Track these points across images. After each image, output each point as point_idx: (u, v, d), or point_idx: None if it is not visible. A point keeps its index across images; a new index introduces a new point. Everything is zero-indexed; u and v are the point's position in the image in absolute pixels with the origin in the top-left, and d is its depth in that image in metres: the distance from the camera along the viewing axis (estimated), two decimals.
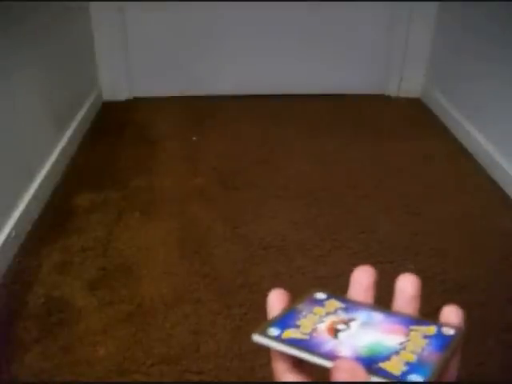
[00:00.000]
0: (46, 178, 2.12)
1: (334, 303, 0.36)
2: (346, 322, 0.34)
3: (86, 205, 2.10)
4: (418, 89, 3.16)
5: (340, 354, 0.31)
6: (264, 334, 0.33)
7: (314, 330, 0.33)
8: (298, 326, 0.34)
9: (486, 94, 2.46)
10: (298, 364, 0.33)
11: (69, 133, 2.44)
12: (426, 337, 0.32)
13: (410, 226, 2.02)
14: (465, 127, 2.62)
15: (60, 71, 2.39)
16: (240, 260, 1.81)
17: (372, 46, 3.08)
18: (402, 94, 3.17)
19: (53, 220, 2.01)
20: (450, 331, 0.33)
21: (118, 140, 2.62)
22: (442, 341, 0.32)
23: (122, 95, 3.06)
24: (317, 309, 0.36)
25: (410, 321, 0.34)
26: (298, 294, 0.38)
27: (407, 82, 3.14)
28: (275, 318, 0.35)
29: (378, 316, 0.35)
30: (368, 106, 3.06)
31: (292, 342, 0.32)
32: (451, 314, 0.34)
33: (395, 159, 2.51)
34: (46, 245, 1.87)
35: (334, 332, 0.33)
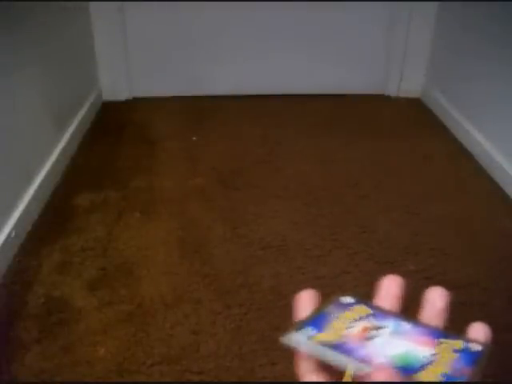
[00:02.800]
0: (46, 178, 2.12)
1: (363, 309, 0.37)
2: (377, 329, 0.34)
3: (86, 205, 2.10)
4: (418, 89, 3.16)
5: (376, 361, 0.31)
6: (296, 335, 0.33)
7: (347, 334, 0.33)
8: (330, 329, 0.34)
9: (485, 94, 2.46)
10: (321, 366, 0.33)
11: (69, 133, 2.44)
12: (455, 351, 0.32)
13: (410, 226, 2.02)
14: (465, 127, 2.62)
15: (60, 71, 2.39)
16: (240, 260, 1.81)
17: (372, 46, 3.08)
18: (402, 94, 3.17)
19: (53, 220, 2.01)
20: (477, 347, 0.33)
21: (118, 140, 2.62)
22: (470, 356, 0.32)
23: (122, 95, 3.06)
24: (347, 313, 0.36)
25: (437, 333, 0.34)
26: (324, 298, 0.38)
27: (407, 82, 3.14)
28: (306, 319, 0.35)
29: (406, 326, 0.35)
30: (368, 106, 3.06)
31: (326, 345, 0.32)
32: (478, 332, 0.35)
33: (395, 159, 2.51)
34: (46, 245, 1.87)
35: (366, 338, 0.33)
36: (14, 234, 1.80)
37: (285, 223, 2.01)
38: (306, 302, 0.37)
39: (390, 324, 0.35)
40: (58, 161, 2.25)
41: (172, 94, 3.05)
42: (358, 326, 0.34)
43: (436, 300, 0.36)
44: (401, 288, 0.38)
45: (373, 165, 2.45)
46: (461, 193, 2.27)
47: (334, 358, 0.31)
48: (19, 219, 1.85)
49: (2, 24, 1.80)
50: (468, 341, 0.33)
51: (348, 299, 0.38)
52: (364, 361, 0.31)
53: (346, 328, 0.34)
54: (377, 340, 0.33)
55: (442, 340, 0.33)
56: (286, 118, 2.89)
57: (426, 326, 0.35)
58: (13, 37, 1.87)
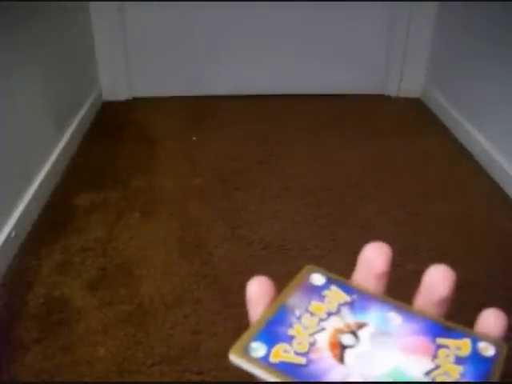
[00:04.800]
0: (46, 178, 2.12)
1: (337, 294, 0.28)
2: (354, 331, 0.26)
3: (86, 205, 2.10)
4: (418, 89, 3.16)
5: None
6: (245, 353, 0.25)
7: (313, 345, 0.25)
8: (290, 339, 0.26)
9: (486, 94, 2.46)
10: None
11: (69, 133, 2.44)
12: (459, 360, 0.25)
13: (410, 226, 2.02)
14: (465, 127, 2.62)
15: (60, 71, 2.39)
16: (240, 260, 1.81)
17: (372, 46, 3.08)
18: (402, 94, 3.17)
19: (53, 220, 2.01)
20: (490, 350, 0.25)
21: (118, 140, 2.62)
22: (480, 367, 0.24)
23: (122, 95, 3.06)
24: (314, 305, 0.27)
25: (435, 328, 0.26)
26: (289, 277, 0.30)
27: (407, 82, 3.14)
28: (258, 325, 0.27)
29: (395, 319, 0.26)
30: (368, 106, 3.06)
31: (284, 370, 0.24)
32: (490, 323, 0.26)
33: (395, 159, 2.51)
34: (45, 245, 1.87)
35: (340, 349, 0.25)
36: (14, 234, 1.80)
37: (285, 223, 2.01)
38: (261, 294, 0.28)
39: (373, 318, 0.26)
40: (57, 161, 2.25)
41: (172, 94, 3.05)
42: (329, 330, 0.26)
43: (438, 282, 0.27)
44: (388, 260, 0.28)
45: (373, 165, 2.45)
46: (461, 193, 2.27)
47: None
48: (19, 219, 1.85)
49: (2, 24, 1.80)
50: (477, 339, 0.26)
51: (317, 278, 0.29)
52: None
53: (312, 334, 0.26)
54: (353, 353, 0.25)
55: (441, 340, 0.26)
56: (286, 118, 2.89)
57: (420, 319, 0.27)
58: (13, 37, 1.87)
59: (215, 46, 3.00)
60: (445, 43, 2.89)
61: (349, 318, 0.27)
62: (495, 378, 0.24)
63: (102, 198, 2.14)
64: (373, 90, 3.17)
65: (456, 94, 2.76)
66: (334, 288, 0.28)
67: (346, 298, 0.28)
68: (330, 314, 0.27)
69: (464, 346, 0.25)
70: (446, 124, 2.82)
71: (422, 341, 0.26)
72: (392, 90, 3.17)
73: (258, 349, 0.25)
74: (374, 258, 0.29)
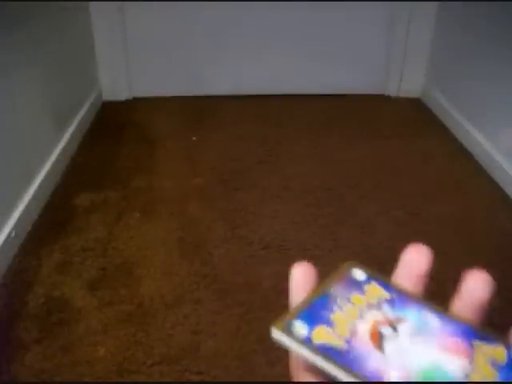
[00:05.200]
0: (46, 178, 2.12)
1: (377, 290, 0.29)
2: (393, 324, 0.27)
3: (86, 205, 2.10)
4: (418, 89, 3.16)
5: (389, 378, 0.24)
6: (288, 330, 0.26)
7: (354, 332, 0.26)
8: (331, 323, 0.26)
9: (486, 94, 2.46)
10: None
11: (69, 133, 2.44)
12: (494, 365, 0.25)
13: (410, 226, 2.02)
14: (465, 127, 2.62)
15: (60, 71, 2.39)
16: (240, 260, 1.81)
17: (372, 46, 3.08)
18: (402, 94, 3.17)
19: (53, 220, 2.01)
20: None
21: (118, 140, 2.62)
22: None
23: (122, 95, 3.06)
24: (355, 296, 0.28)
25: (471, 331, 0.27)
26: (331, 269, 0.30)
27: (407, 82, 3.14)
28: (301, 306, 0.27)
29: (432, 319, 0.27)
30: (368, 106, 3.06)
31: (325, 352, 0.25)
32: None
33: (395, 159, 2.51)
34: (45, 245, 1.87)
35: (380, 339, 0.26)
36: (14, 234, 1.80)
37: (285, 223, 2.01)
38: (304, 279, 0.29)
39: (412, 316, 0.27)
40: (57, 161, 2.25)
41: (172, 94, 3.05)
42: (369, 321, 0.27)
43: (477, 287, 0.28)
44: (429, 262, 0.29)
45: (373, 165, 2.45)
46: (461, 193, 2.27)
47: (335, 371, 0.24)
48: (19, 219, 1.85)
49: (2, 24, 1.80)
50: (511, 347, 0.26)
51: (359, 273, 0.30)
52: (373, 377, 0.24)
53: (354, 321, 0.27)
54: (392, 343, 0.26)
55: (477, 343, 0.26)
56: (286, 118, 2.89)
57: (455, 321, 0.27)
58: (13, 37, 1.87)
59: (215, 46, 3.00)
60: (445, 43, 2.89)
61: (389, 312, 0.27)
62: None
63: (102, 198, 2.14)
64: (373, 90, 3.17)
65: (456, 94, 2.76)
66: (374, 284, 0.29)
67: (386, 294, 0.28)
68: (370, 307, 0.27)
69: (500, 352, 0.26)
70: (446, 124, 2.82)
71: (460, 342, 0.26)
72: (392, 90, 3.17)
73: (301, 328, 0.26)
74: (415, 260, 0.29)
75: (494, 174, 2.33)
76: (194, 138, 2.63)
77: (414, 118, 2.98)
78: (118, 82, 3.02)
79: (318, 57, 3.05)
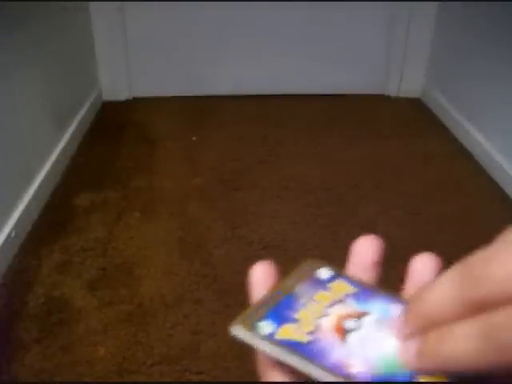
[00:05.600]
0: (46, 178, 2.12)
1: (343, 286, 0.29)
2: (358, 317, 0.27)
3: (86, 205, 2.10)
4: (418, 89, 3.16)
5: (351, 368, 0.24)
6: (252, 328, 0.26)
7: (318, 327, 0.26)
8: (296, 321, 0.27)
9: (486, 94, 2.46)
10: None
11: (69, 133, 2.44)
12: None
13: (410, 226, 2.02)
14: (465, 127, 2.62)
15: (60, 71, 2.39)
16: (240, 260, 1.81)
17: (372, 46, 3.08)
18: (402, 94, 3.17)
19: (53, 220, 2.01)
20: None
21: (118, 140, 2.62)
22: None
23: (122, 95, 3.06)
24: (320, 294, 0.28)
25: None
26: (293, 267, 0.30)
27: (407, 82, 3.14)
28: (264, 305, 0.28)
29: (395, 310, 0.27)
30: (368, 106, 3.06)
31: (289, 346, 0.25)
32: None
33: (395, 159, 2.51)
34: (45, 245, 1.87)
35: (344, 332, 0.26)
36: (14, 234, 1.80)
37: (285, 223, 2.01)
38: (265, 279, 0.29)
39: (376, 308, 0.27)
40: (57, 161, 2.25)
41: (172, 94, 3.05)
42: (333, 315, 0.27)
43: (425, 271, 0.29)
44: (379, 250, 0.30)
45: (373, 165, 2.45)
46: (461, 193, 2.27)
47: (298, 364, 0.24)
48: (19, 219, 1.85)
49: (2, 24, 1.80)
50: None
51: (324, 272, 0.30)
52: (336, 368, 0.24)
53: (318, 318, 0.27)
54: (356, 336, 0.26)
55: None
56: (286, 118, 2.89)
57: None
58: (13, 37, 1.87)
59: (215, 46, 3.00)
60: (445, 43, 2.89)
61: (353, 306, 0.28)
62: None
63: (102, 198, 2.14)
64: (373, 90, 3.17)
65: (456, 94, 2.76)
66: (340, 281, 0.29)
67: (350, 289, 0.29)
68: (334, 303, 0.28)
69: None
70: (446, 124, 2.82)
71: None
72: (392, 90, 3.17)
73: (265, 327, 0.26)
74: (364, 250, 0.30)
75: (494, 174, 2.33)
76: (194, 138, 2.63)
77: (414, 118, 2.98)
78: (118, 82, 3.02)
79: (317, 57, 3.05)
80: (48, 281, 1.71)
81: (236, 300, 1.64)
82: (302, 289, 0.29)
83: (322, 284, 0.29)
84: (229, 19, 2.93)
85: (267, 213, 2.07)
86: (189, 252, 1.86)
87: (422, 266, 0.29)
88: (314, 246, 1.88)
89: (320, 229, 1.99)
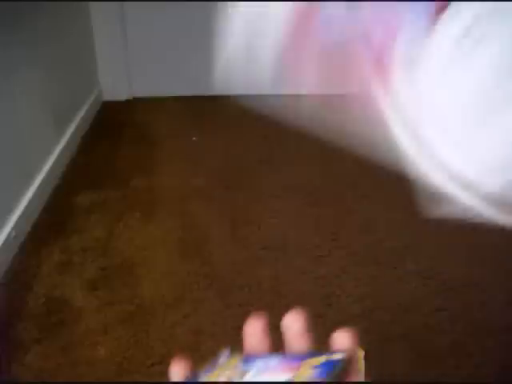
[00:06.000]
0: (46, 177, 2.12)
1: (235, 359, 0.36)
2: (241, 375, 0.34)
3: (86, 205, 2.10)
4: None
5: None
6: None
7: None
8: None
9: None
10: None
11: (69, 133, 2.44)
12: (313, 367, 0.32)
13: (410, 226, 2.02)
14: None
15: (60, 71, 2.39)
16: (240, 260, 1.81)
17: None
18: None
19: (53, 220, 2.01)
20: (339, 356, 0.33)
21: (118, 140, 2.62)
22: (328, 367, 0.32)
23: (122, 95, 3.05)
24: (217, 371, 0.36)
25: (304, 356, 0.34)
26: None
27: None
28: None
29: (274, 361, 0.34)
30: None
31: None
32: (341, 340, 0.34)
33: None
34: (45, 245, 1.87)
35: None
36: (13, 234, 1.80)
37: (285, 223, 2.01)
38: (179, 370, 0.37)
39: (258, 364, 0.34)
40: (57, 161, 2.25)
41: (172, 94, 3.05)
42: (224, 377, 0.34)
43: (292, 324, 0.36)
44: (264, 326, 0.38)
45: (373, 165, 2.44)
46: None
47: None
48: (19, 219, 1.85)
49: (2, 24, 1.80)
50: (331, 353, 0.33)
51: (224, 355, 0.37)
52: None
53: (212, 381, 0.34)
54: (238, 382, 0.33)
55: (304, 361, 0.33)
56: (287, 117, 2.89)
57: (295, 355, 0.35)
58: (13, 37, 1.87)
59: (215, 45, 2.99)
60: None
61: (240, 368, 0.34)
62: (338, 371, 0.31)
63: (102, 198, 2.14)
64: None
65: None
66: (234, 356, 0.36)
67: (241, 359, 0.36)
68: (225, 371, 0.35)
69: (321, 359, 0.33)
70: None
71: (290, 365, 0.33)
72: None
73: None
74: (253, 329, 0.38)
75: None
76: (194, 138, 2.63)
77: None
78: (118, 82, 3.02)
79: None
80: (48, 281, 1.71)
81: (236, 300, 1.64)
82: (204, 371, 0.36)
83: (219, 363, 0.36)
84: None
85: (267, 213, 2.07)
86: (189, 252, 1.85)
87: (291, 322, 0.37)
88: (314, 246, 1.88)
89: (320, 229, 1.99)
